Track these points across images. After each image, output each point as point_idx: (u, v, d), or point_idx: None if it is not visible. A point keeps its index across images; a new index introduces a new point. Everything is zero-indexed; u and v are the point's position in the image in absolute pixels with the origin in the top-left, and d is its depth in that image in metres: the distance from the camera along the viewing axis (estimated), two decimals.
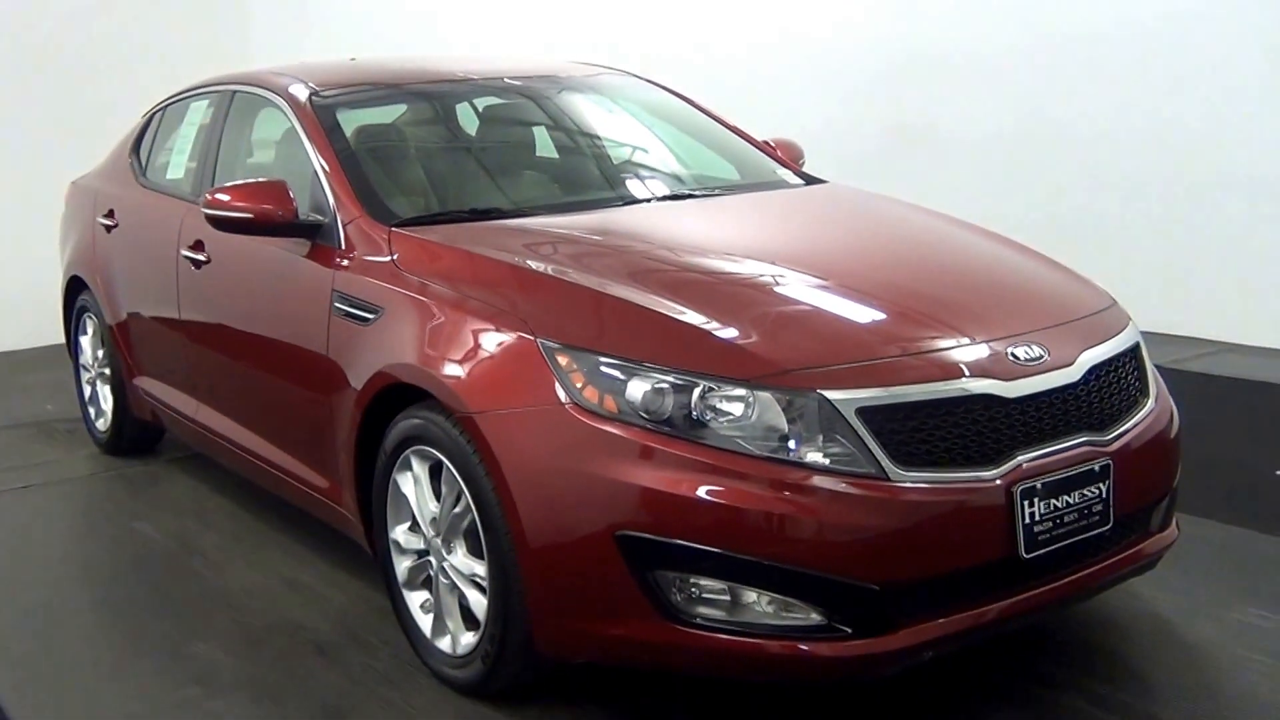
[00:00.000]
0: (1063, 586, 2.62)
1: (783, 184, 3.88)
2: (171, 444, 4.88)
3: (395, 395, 2.94)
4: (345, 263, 3.19)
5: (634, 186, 3.77)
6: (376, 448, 3.03)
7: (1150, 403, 2.88)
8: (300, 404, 3.38)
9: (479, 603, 2.75)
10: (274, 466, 3.60)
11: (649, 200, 3.60)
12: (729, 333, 2.58)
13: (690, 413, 2.45)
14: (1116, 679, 2.86)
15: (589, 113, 4.13)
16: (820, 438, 2.41)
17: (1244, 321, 5.41)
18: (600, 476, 2.45)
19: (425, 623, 2.95)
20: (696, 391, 2.46)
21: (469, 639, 2.80)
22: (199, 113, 4.34)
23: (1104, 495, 2.62)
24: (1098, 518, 2.62)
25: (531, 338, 2.62)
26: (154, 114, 4.78)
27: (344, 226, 3.25)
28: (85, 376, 5.04)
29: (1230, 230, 5.41)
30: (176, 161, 4.39)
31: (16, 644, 3.28)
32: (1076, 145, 5.86)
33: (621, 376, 2.51)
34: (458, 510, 2.76)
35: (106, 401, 4.86)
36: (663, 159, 4.00)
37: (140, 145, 4.75)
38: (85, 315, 4.95)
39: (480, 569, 2.72)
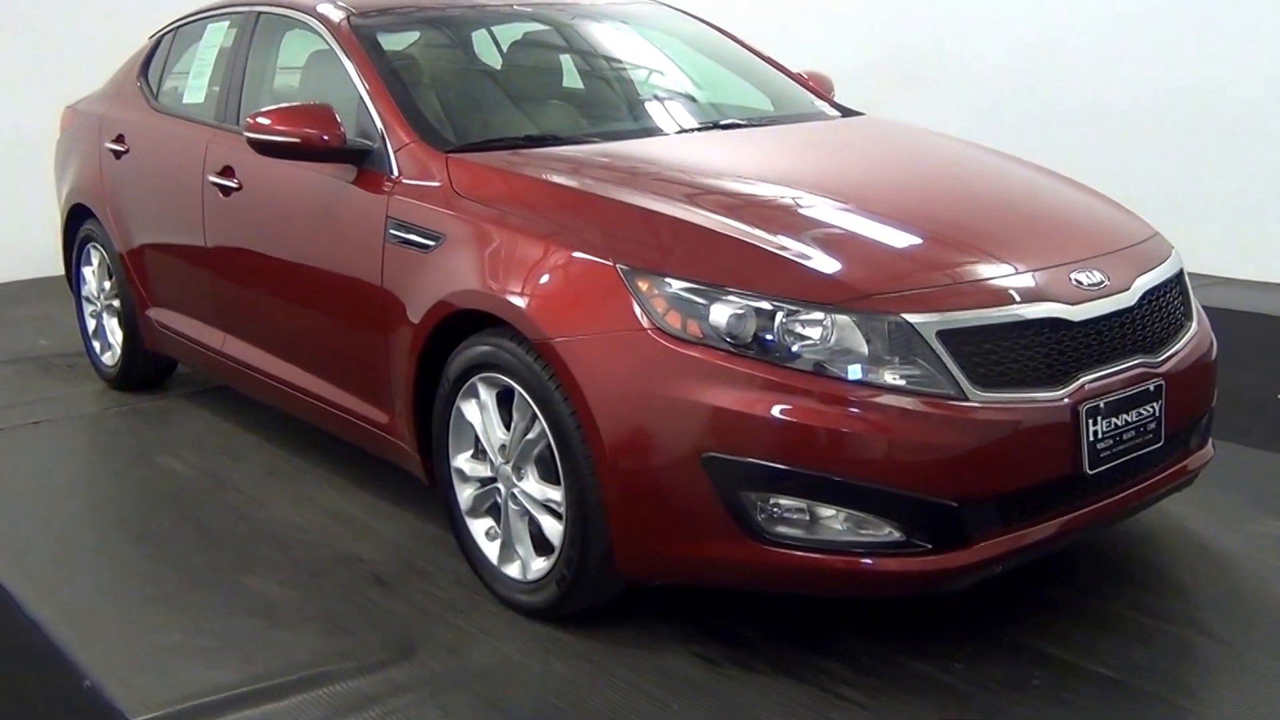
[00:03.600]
0: (1120, 501, 2.86)
1: (821, 115, 4.04)
2: (183, 379, 5.01)
3: (457, 323, 3.09)
4: (399, 190, 3.31)
5: (684, 115, 3.90)
6: (433, 376, 3.19)
7: (1194, 326, 3.12)
8: (349, 334, 3.51)
9: (553, 528, 2.92)
10: (316, 398, 3.73)
11: (700, 129, 3.73)
12: (808, 258, 2.74)
13: (772, 337, 2.62)
14: (1156, 588, 3.15)
15: (634, 42, 4.28)
16: (899, 360, 2.59)
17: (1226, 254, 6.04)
18: (686, 400, 2.62)
19: (491, 550, 3.12)
20: (779, 316, 2.63)
21: (541, 564, 2.98)
22: (218, 35, 4.40)
23: (1157, 414, 2.85)
24: (1151, 435, 2.85)
25: (610, 263, 2.77)
26: (163, 36, 4.83)
27: (395, 153, 3.37)
28: (89, 309, 5.13)
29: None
30: (195, 85, 4.45)
31: (60, 583, 3.39)
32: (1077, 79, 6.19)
33: (703, 301, 2.66)
34: (530, 436, 2.92)
35: (114, 335, 4.95)
36: (703, 89, 4.13)
37: (149, 68, 4.82)
38: (89, 245, 5.03)
39: (555, 494, 2.89)
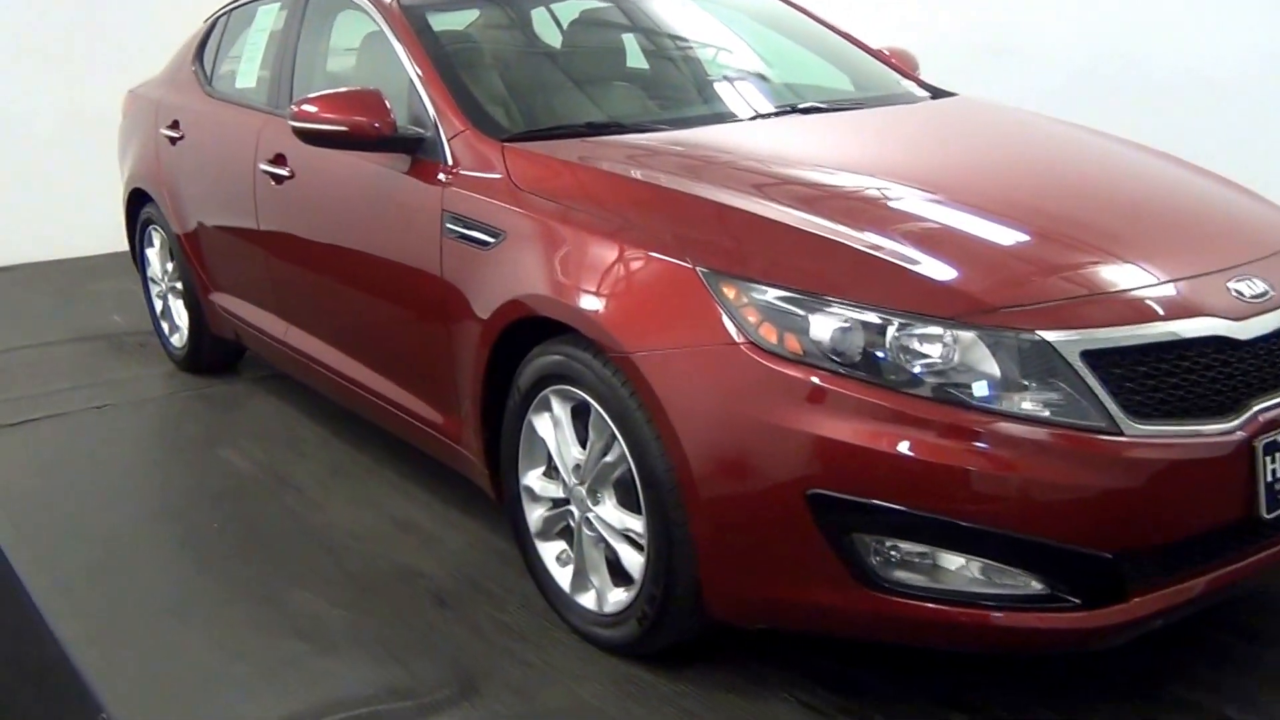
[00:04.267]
0: None
1: (909, 97, 3.34)
2: (254, 362, 4.43)
3: (529, 327, 2.49)
4: (454, 181, 2.69)
5: (760, 99, 3.21)
6: (503, 382, 2.60)
7: None
8: (410, 331, 2.91)
9: (632, 560, 2.33)
10: (379, 397, 3.14)
11: (778, 114, 3.04)
12: (919, 263, 2.10)
13: (884, 355, 2.00)
14: None
15: (705, 21, 3.59)
16: (1036, 384, 1.96)
17: None
18: (786, 428, 2.00)
19: (563, 576, 2.53)
20: (891, 330, 2.00)
21: (620, 596, 2.39)
22: (269, 17, 3.76)
23: None
24: None
25: (689, 266, 2.15)
26: (218, 19, 4.20)
27: (449, 141, 2.74)
28: (155, 290, 4.56)
29: None
30: (246, 70, 3.84)
31: (90, 589, 2.85)
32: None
33: (802, 313, 2.04)
34: (609, 459, 2.32)
35: (181, 317, 4.39)
36: (777, 69, 3.43)
37: (204, 52, 4.19)
38: (150, 228, 4.44)
39: (636, 524, 2.29)
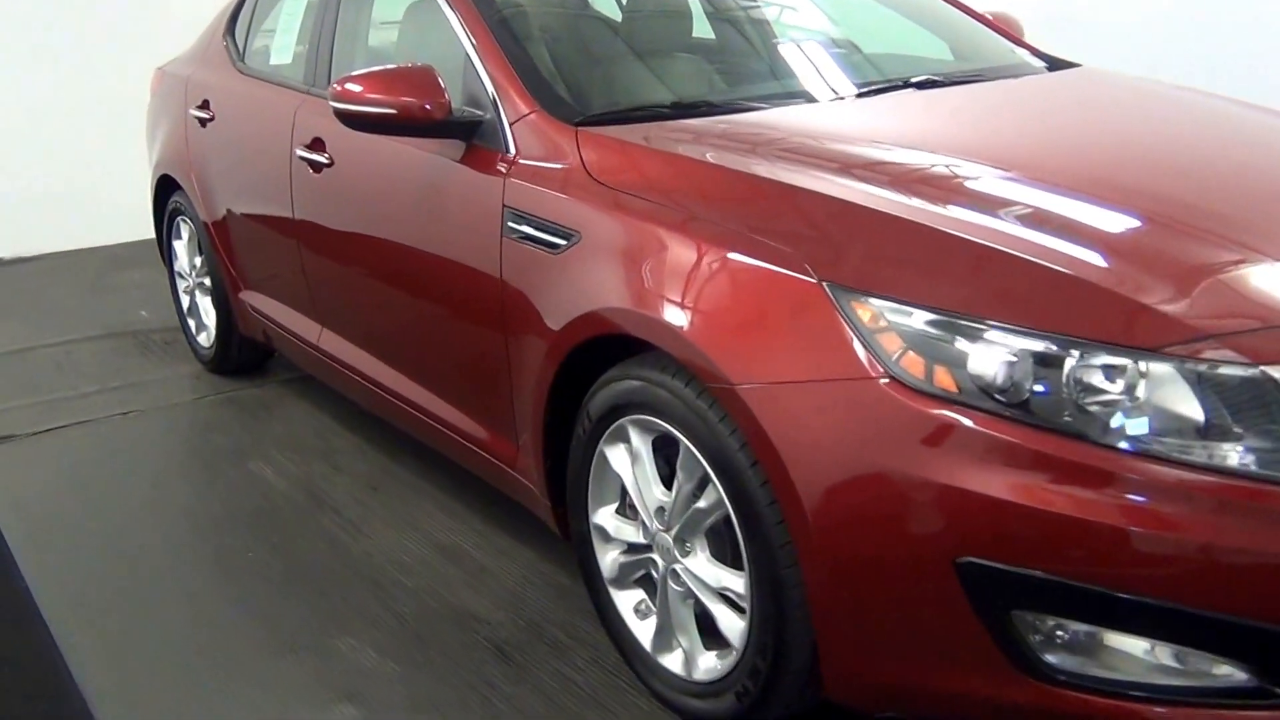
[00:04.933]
0: None
1: (1025, 68, 2.92)
2: (282, 363, 4.07)
3: (603, 345, 2.12)
4: (517, 172, 2.31)
5: (864, 73, 2.82)
6: (569, 405, 2.24)
7: None
8: (462, 341, 2.54)
9: (731, 624, 1.95)
10: (423, 412, 2.78)
11: (883, 90, 2.62)
12: (1103, 278, 1.70)
13: (1058, 394, 1.61)
14: None
15: None
16: (1249, 432, 1.58)
17: None
18: (935, 481, 1.62)
19: (642, 631, 2.17)
20: (1069, 364, 1.62)
21: (713, 663, 2.02)
22: None
23: None
24: None
25: (811, 280, 1.77)
26: None
27: (511, 125, 2.37)
28: (182, 285, 4.22)
29: None
30: (282, 44, 3.47)
31: (117, 638, 2.51)
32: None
33: (958, 340, 1.66)
34: (701, 505, 1.95)
35: (208, 315, 4.04)
36: (876, 38, 3.02)
37: (236, 26, 3.82)
38: (179, 218, 4.10)
39: (735, 582, 1.92)
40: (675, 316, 1.90)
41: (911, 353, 1.67)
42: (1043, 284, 1.69)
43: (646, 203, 2.05)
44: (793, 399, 1.74)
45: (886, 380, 1.66)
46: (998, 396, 1.62)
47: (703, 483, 1.94)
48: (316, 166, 3.00)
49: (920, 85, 2.64)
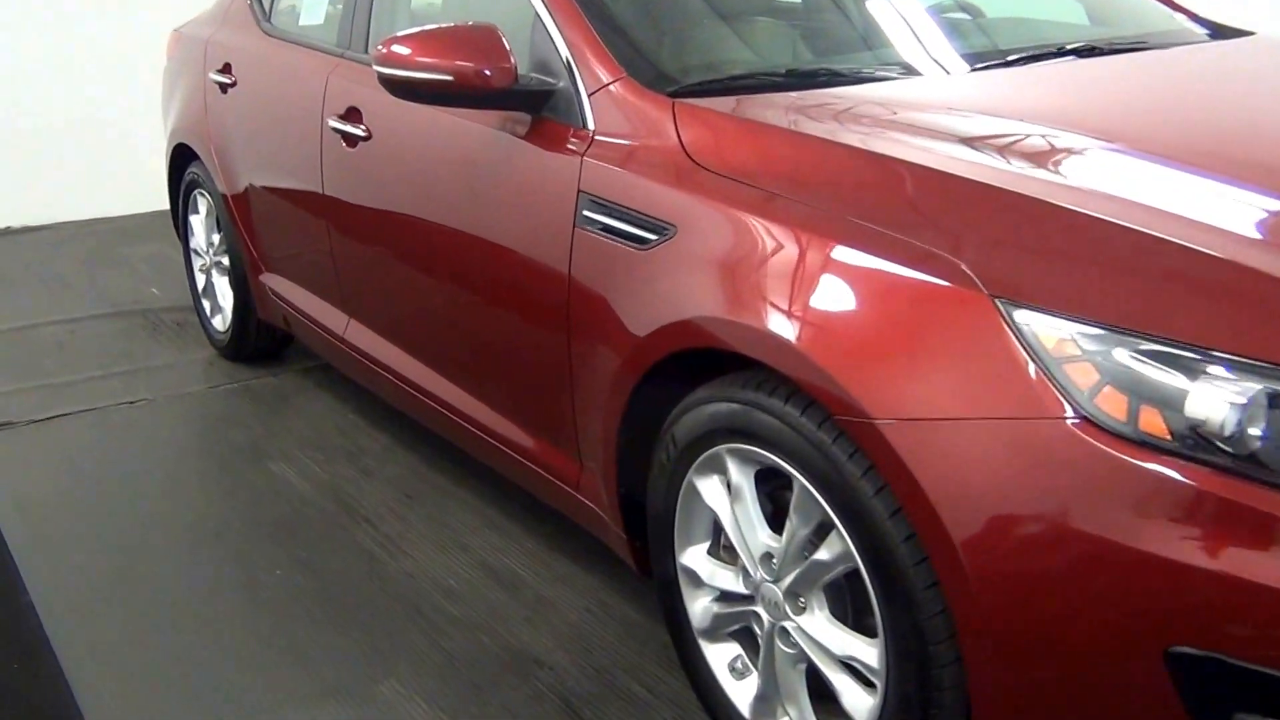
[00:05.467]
0: None
1: (1186, 35, 2.55)
2: (304, 349, 3.74)
3: (695, 358, 1.80)
4: (595, 150, 1.98)
5: (1002, 39, 2.46)
6: (646, 422, 1.92)
7: None
8: (518, 343, 2.21)
9: (857, 701, 1.63)
10: (468, 420, 2.46)
11: (1036, 58, 2.24)
12: None
13: None
14: None
15: None
16: None
17: None
18: (1141, 551, 1.30)
19: (739, 693, 1.85)
20: None
21: None
22: None
23: None
24: None
25: (978, 292, 1.44)
26: None
27: (590, 96, 2.03)
28: (198, 263, 3.89)
29: None
30: (313, 3, 3.13)
31: (123, 681, 2.19)
32: None
33: (1174, 375, 1.32)
34: (822, 556, 1.63)
35: (225, 298, 3.72)
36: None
37: None
38: (196, 191, 3.76)
39: (865, 652, 1.60)
40: (796, 333, 1.57)
41: (1110, 388, 1.34)
42: (1271, 305, 1.37)
43: (762, 192, 1.71)
44: (951, 439, 1.42)
45: (1076, 421, 1.34)
46: (1223, 446, 1.30)
47: (822, 529, 1.63)
48: (351, 139, 2.66)
49: (1084, 53, 2.28)
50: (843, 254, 1.57)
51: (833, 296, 1.56)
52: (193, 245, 3.89)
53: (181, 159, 3.79)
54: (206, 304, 3.86)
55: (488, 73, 2.04)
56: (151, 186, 5.86)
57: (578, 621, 2.27)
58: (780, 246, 1.64)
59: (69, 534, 2.69)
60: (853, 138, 1.77)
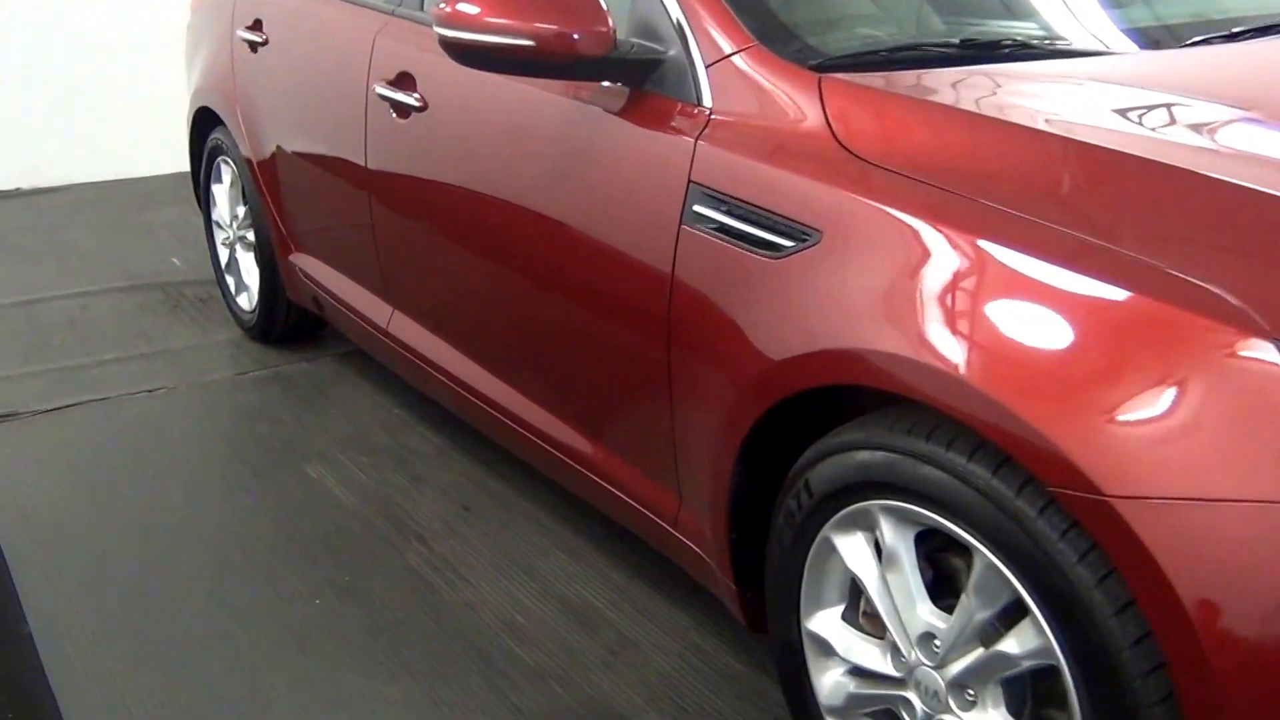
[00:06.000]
0: None
1: None
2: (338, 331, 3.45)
3: (835, 392, 1.48)
4: (716, 133, 1.65)
5: (1235, 5, 2.11)
6: (767, 458, 1.61)
7: None
8: (603, 354, 1.89)
9: None
10: (538, 434, 2.15)
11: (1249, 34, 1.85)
12: None
13: None
14: None
15: None
16: None
17: None
18: None
19: None
20: None
21: None
22: None
23: None
24: None
25: (1262, 331, 1.12)
26: None
27: (708, 68, 1.69)
28: (221, 237, 3.57)
29: None
30: None
31: (123, 696, 1.92)
32: None
33: None
34: (1010, 650, 1.31)
35: (251, 275, 3.41)
36: None
37: None
38: (220, 159, 3.44)
39: None
40: (997, 379, 1.25)
41: None
42: None
43: (943, 192, 1.38)
44: (1218, 525, 1.10)
45: None
46: None
47: (1008, 613, 1.32)
48: (403, 109, 2.33)
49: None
50: (1060, 277, 1.24)
51: (1047, 333, 1.23)
52: (215, 217, 3.56)
53: (204, 123, 3.46)
54: (230, 281, 3.54)
55: (577, 37, 1.71)
56: (174, 146, 5.55)
57: (668, 670, 1.97)
58: (972, 264, 1.32)
59: (75, 549, 2.39)
60: (1062, 126, 1.43)
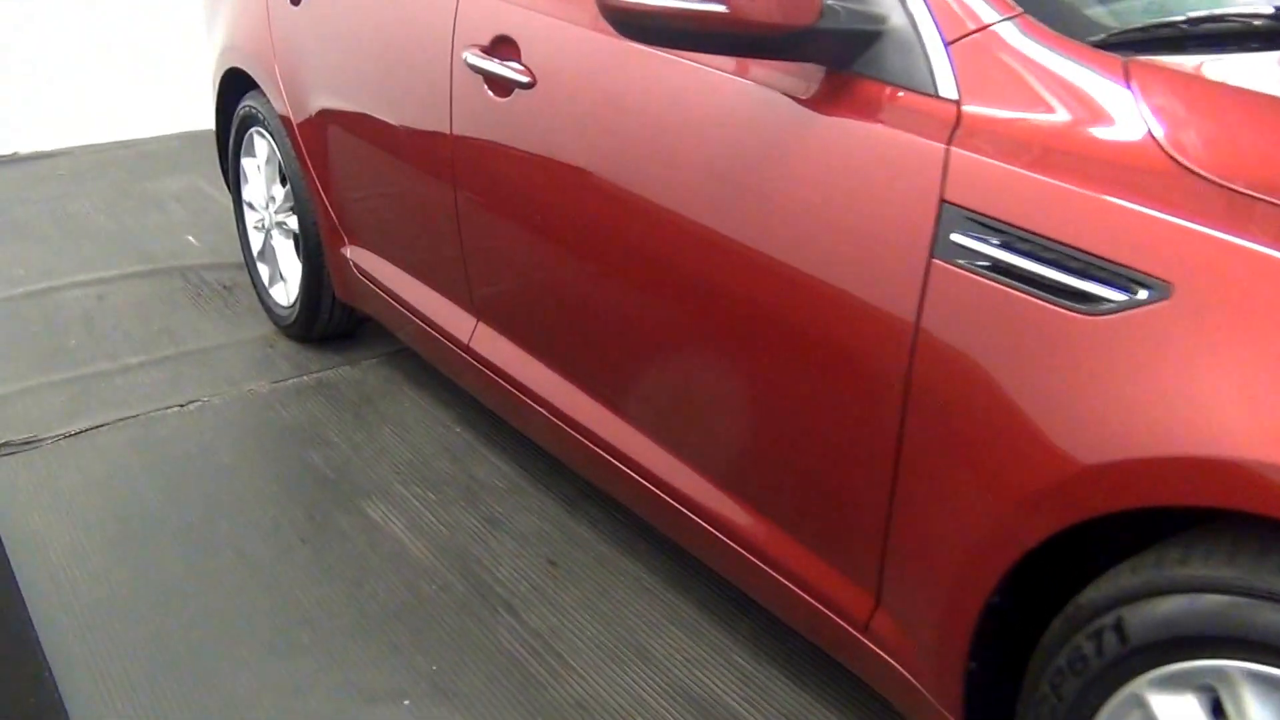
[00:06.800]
0: None
1: None
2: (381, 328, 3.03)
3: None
4: (973, 134, 1.22)
5: None
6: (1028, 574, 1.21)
7: None
8: (794, 416, 1.47)
9: None
10: (683, 500, 1.72)
11: None
12: None
13: None
14: None
15: None
16: None
17: None
18: None
19: None
20: None
21: None
22: None
23: None
24: None
25: None
26: None
27: (951, 44, 1.27)
28: (253, 219, 3.13)
29: None
30: None
31: None
32: None
33: None
34: None
35: (290, 266, 2.98)
36: None
37: None
38: (253, 130, 2.99)
39: None
40: None
41: None
42: None
43: None
44: None
45: None
46: None
47: None
48: (501, 84, 1.89)
49: None
50: None
51: None
52: (246, 197, 3.12)
53: (233, 88, 3.01)
54: (264, 270, 3.11)
55: (781, 6, 1.28)
56: (176, 105, 5.11)
57: None
58: None
59: (111, 608, 1.98)
60: None
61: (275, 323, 3.10)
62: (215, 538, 2.21)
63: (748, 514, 1.62)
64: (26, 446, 2.54)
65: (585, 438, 1.92)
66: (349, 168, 2.50)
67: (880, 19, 1.32)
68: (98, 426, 2.61)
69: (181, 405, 2.71)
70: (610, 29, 1.56)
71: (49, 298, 3.33)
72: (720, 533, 1.67)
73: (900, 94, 1.30)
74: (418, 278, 2.35)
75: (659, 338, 1.69)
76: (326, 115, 2.53)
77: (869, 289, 1.30)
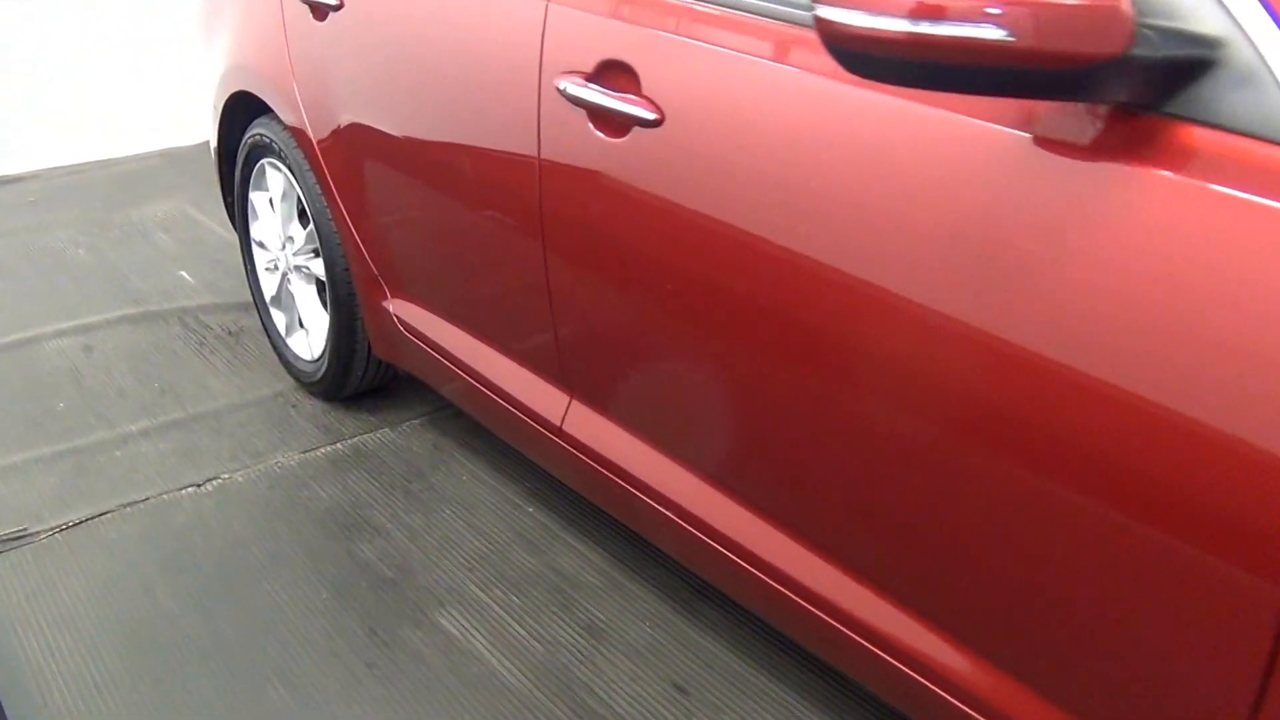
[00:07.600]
0: None
1: None
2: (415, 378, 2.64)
3: None
4: None
5: None
6: None
7: None
8: (1063, 553, 1.12)
9: None
10: (860, 629, 1.39)
11: None
12: None
13: None
14: None
15: None
16: None
17: None
18: None
19: None
20: None
21: None
22: None
23: None
24: None
25: None
26: None
27: None
28: (264, 259, 2.74)
29: None
30: None
31: None
32: None
33: None
34: None
35: (314, 317, 2.59)
36: None
37: None
38: (265, 160, 2.61)
39: None
40: None
41: None
42: None
43: None
44: None
45: None
46: None
47: None
48: (613, 121, 1.51)
49: None
50: None
51: None
52: (255, 235, 2.74)
53: (240, 112, 2.63)
54: (279, 318, 2.73)
55: (1093, 28, 0.93)
56: (155, 120, 4.70)
57: None
58: None
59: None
60: None
61: (295, 378, 2.72)
62: (258, 663, 1.84)
63: (958, 652, 1.28)
64: (15, 542, 2.15)
65: (716, 542, 1.57)
66: (392, 210, 2.13)
67: (1212, 43, 0.98)
68: (100, 515, 2.22)
69: (198, 485, 2.33)
70: (788, 59, 1.21)
71: (28, 351, 2.93)
72: (914, 669, 1.33)
73: (1251, 145, 0.96)
74: (490, 344, 1.99)
75: (834, 432, 1.34)
76: (362, 147, 2.15)
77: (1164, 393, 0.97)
